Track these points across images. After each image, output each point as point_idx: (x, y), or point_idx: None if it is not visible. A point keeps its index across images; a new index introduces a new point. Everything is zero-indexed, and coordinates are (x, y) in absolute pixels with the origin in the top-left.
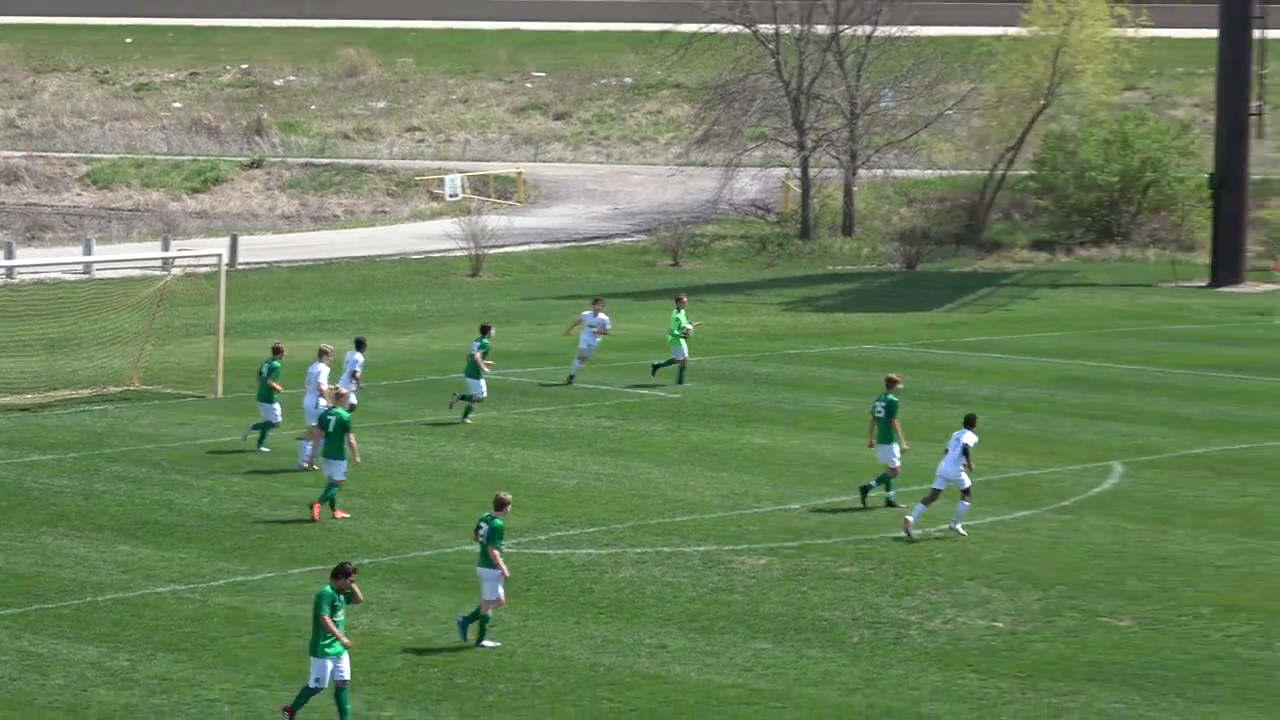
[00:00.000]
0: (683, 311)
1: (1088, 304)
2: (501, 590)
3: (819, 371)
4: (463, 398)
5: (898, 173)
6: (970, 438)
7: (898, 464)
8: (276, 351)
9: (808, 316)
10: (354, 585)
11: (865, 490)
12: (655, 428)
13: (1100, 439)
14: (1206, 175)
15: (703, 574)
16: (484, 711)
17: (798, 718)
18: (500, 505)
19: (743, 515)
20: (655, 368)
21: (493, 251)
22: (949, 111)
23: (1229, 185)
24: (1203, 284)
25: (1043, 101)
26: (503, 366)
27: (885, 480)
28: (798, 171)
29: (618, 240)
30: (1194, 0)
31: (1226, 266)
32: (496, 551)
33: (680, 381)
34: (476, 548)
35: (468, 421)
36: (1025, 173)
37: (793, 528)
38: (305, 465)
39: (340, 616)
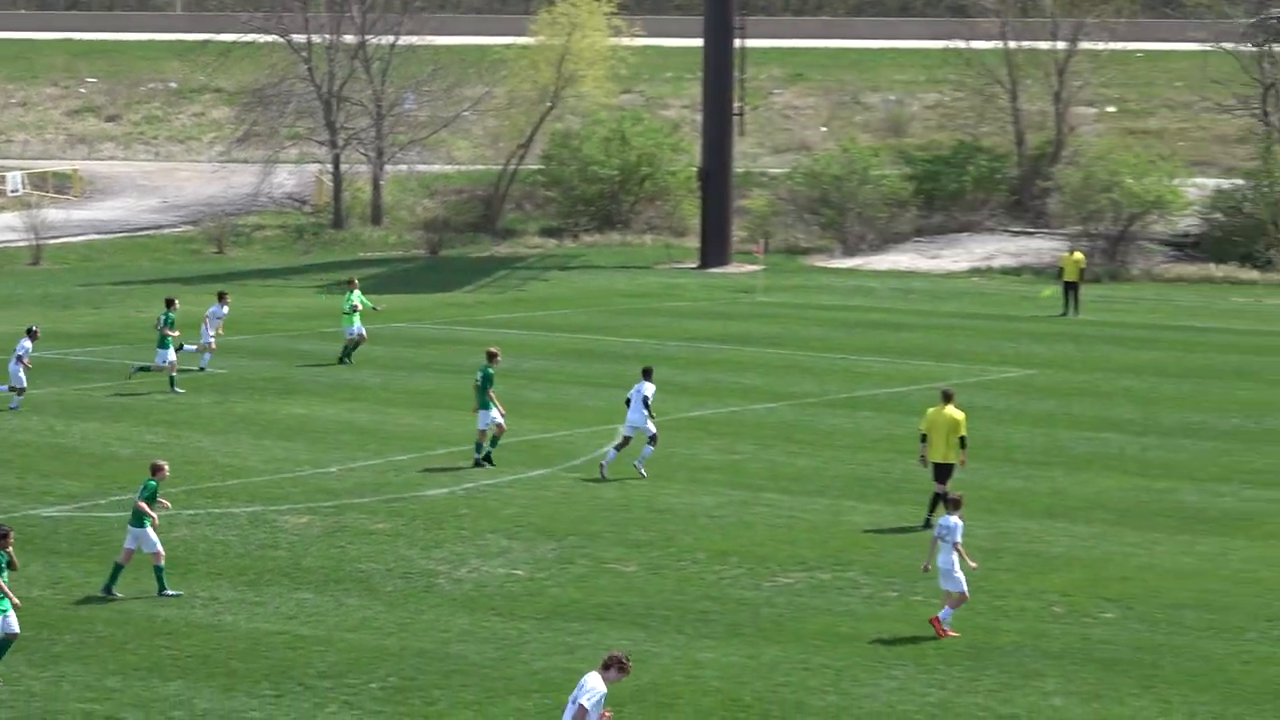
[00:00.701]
0: (356, 292)
1: (593, 284)
2: (158, 543)
3: None
4: (142, 368)
5: (420, 168)
6: (649, 388)
7: (502, 423)
8: None
9: (342, 298)
10: (10, 550)
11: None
12: (204, 400)
13: (606, 405)
14: (695, 168)
15: (250, 532)
16: (51, 661)
17: (338, 660)
18: (155, 470)
19: (285, 478)
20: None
21: (52, 242)
22: (465, 113)
23: (715, 177)
24: (694, 266)
25: (549, 104)
26: (62, 346)
27: (480, 444)
28: (330, 167)
29: (167, 230)
30: (683, 12)
31: (714, 250)
32: (144, 504)
33: (344, 360)
34: (44, 512)
35: (179, 391)
36: (535, 167)
37: (331, 489)
38: None
39: (4, 578)
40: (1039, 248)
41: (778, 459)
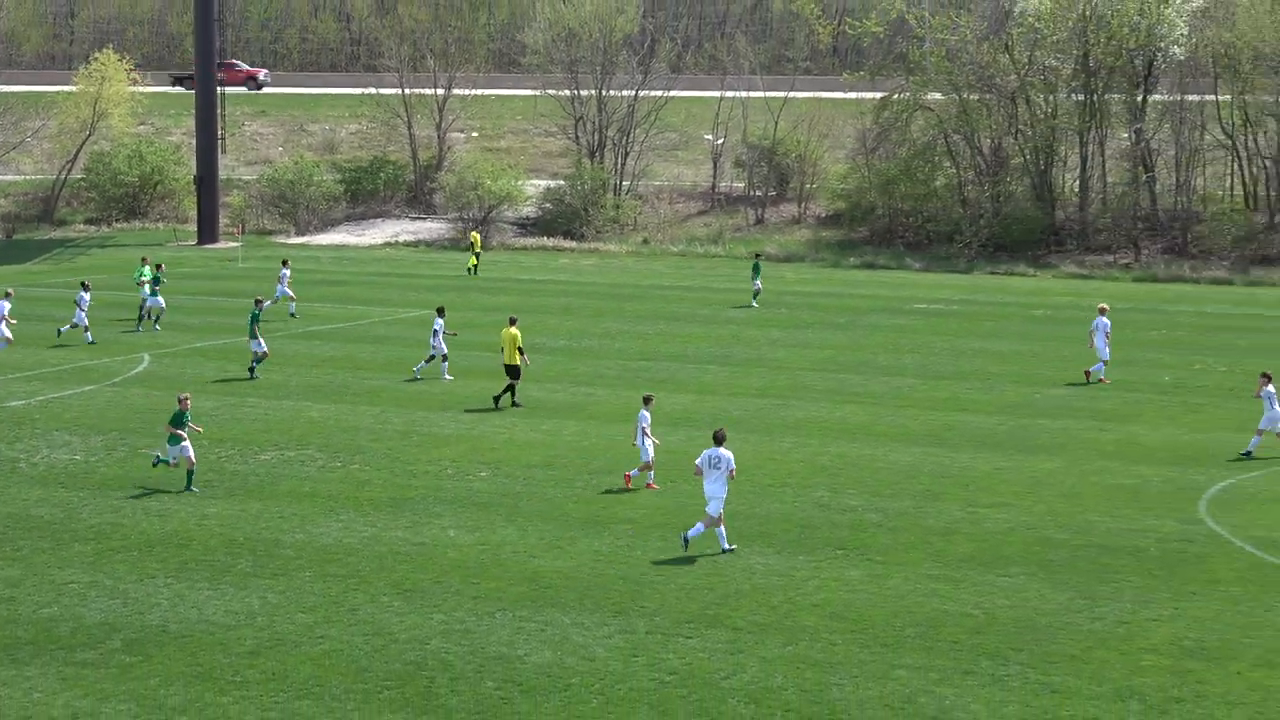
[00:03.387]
0: (147, 267)
1: (123, 257)
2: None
3: None
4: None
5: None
6: (438, 322)
7: (266, 350)
8: None
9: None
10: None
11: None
12: None
13: (135, 340)
14: (193, 176)
15: None
16: None
17: None
18: (180, 402)
19: None
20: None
21: None
22: (28, 139)
23: (206, 182)
24: (194, 243)
25: (88, 132)
26: None
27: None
28: None
29: None
30: (180, 68)
31: (207, 232)
32: (170, 427)
33: (140, 322)
34: None
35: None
36: (80, 176)
37: None
38: None
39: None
40: (430, 228)
41: (258, 373)
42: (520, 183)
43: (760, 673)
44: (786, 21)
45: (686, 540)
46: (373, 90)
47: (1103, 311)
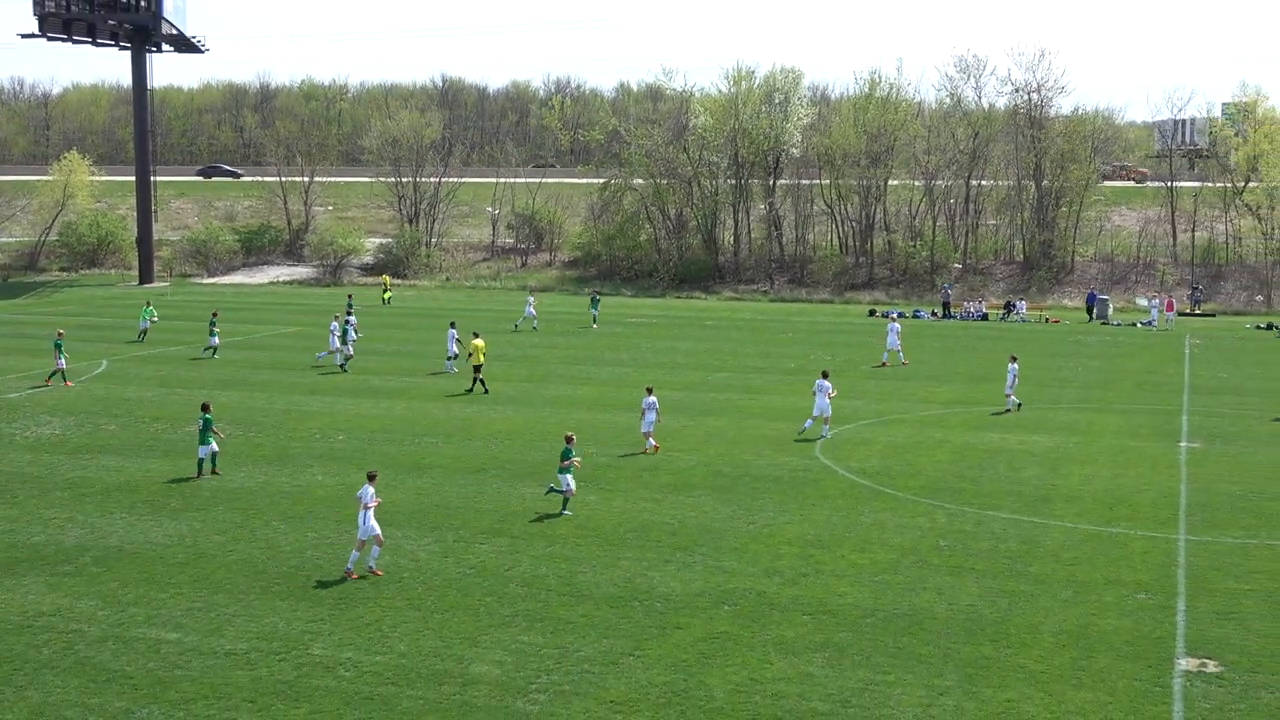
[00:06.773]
0: (151, 306)
1: (86, 293)
2: (570, 486)
3: None
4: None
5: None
6: (451, 332)
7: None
8: None
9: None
10: None
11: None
12: None
13: (95, 349)
14: (135, 237)
15: None
16: None
17: None
18: (568, 440)
19: None
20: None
21: None
22: (16, 212)
23: (144, 242)
24: (136, 283)
25: (60, 208)
26: None
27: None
28: None
29: None
30: (125, 164)
31: (145, 275)
32: (564, 461)
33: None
34: None
35: None
36: (56, 238)
37: None
38: None
39: None
40: (301, 271)
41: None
42: (362, 240)
43: (530, 566)
44: (540, 131)
45: (802, 430)
46: (259, 178)
47: (891, 319)
